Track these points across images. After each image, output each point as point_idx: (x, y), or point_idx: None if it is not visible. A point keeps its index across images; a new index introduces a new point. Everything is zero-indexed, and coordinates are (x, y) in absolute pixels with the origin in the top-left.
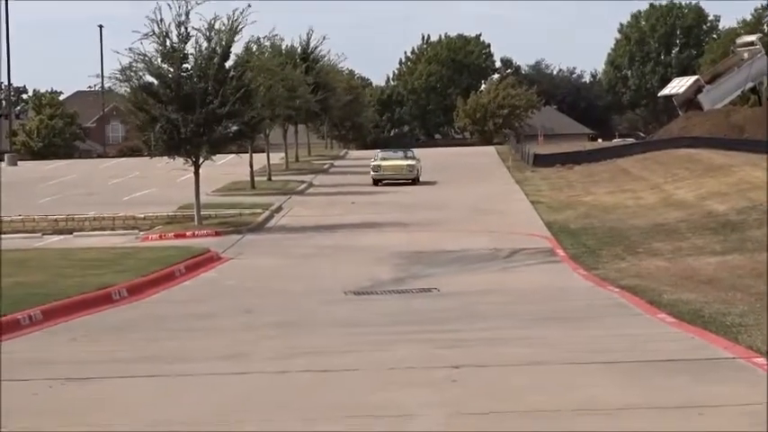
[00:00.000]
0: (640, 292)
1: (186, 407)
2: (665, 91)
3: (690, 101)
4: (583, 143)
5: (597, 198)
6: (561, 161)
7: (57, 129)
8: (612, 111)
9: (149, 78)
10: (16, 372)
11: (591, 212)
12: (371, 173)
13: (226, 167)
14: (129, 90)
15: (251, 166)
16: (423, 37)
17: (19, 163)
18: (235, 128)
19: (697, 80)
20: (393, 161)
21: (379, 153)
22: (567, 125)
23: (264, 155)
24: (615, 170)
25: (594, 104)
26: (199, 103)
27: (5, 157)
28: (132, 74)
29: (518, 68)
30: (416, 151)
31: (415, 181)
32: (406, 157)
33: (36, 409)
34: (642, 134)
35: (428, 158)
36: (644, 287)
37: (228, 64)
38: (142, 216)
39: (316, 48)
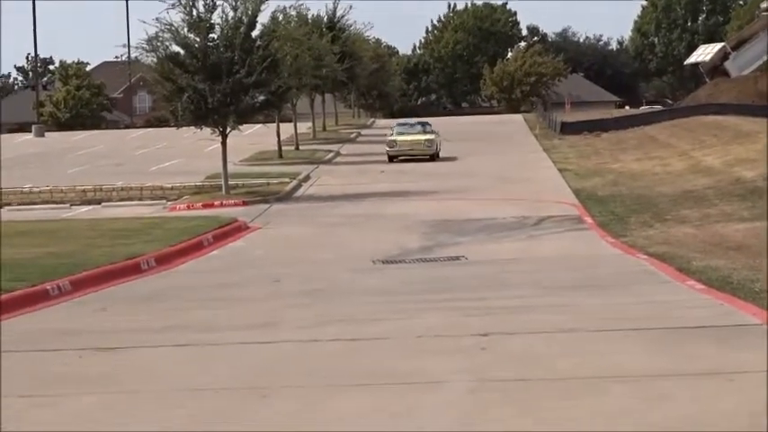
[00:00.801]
0: (669, 259)
1: (215, 375)
2: (692, 59)
3: (716, 68)
4: (610, 111)
5: (625, 165)
6: (588, 129)
7: (84, 100)
8: (639, 78)
9: (176, 48)
10: (46, 342)
11: (619, 180)
12: (386, 148)
13: (253, 137)
14: (155, 60)
15: (278, 136)
16: (449, 5)
17: (46, 134)
18: (262, 97)
19: (723, 47)
20: (410, 136)
21: (394, 126)
22: (594, 93)
23: (291, 124)
24: (643, 137)
25: (621, 72)
26: (225, 72)
27: (33, 128)
28: (159, 44)
29: (544, 36)
30: (442, 120)
31: (433, 157)
32: (425, 131)
33: (66, 379)
34: (669, 101)
35: (455, 127)
36: (672, 254)
37: (255, 33)
38: (170, 186)
39: (342, 17)
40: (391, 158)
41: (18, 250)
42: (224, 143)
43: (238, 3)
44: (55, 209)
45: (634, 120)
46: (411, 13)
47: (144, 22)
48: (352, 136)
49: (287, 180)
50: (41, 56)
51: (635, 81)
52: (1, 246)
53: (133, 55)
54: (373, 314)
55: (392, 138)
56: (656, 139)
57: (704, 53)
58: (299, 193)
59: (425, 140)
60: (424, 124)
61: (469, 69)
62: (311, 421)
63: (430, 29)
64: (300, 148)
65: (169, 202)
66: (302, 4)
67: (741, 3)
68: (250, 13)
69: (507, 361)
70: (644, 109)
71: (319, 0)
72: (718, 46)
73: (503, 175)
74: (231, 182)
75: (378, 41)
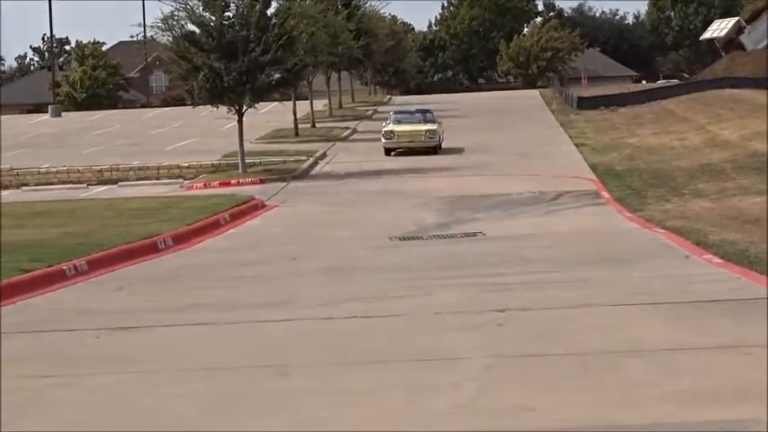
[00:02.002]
0: (686, 233)
1: (233, 354)
2: (707, 34)
3: (731, 41)
4: (626, 85)
5: (642, 140)
6: (605, 103)
7: (100, 79)
8: (656, 52)
9: (191, 27)
10: (64, 322)
11: (635, 154)
12: (382, 140)
13: (269, 115)
14: (171, 39)
15: (294, 114)
16: None
17: (63, 114)
18: (277, 75)
19: (738, 21)
20: (409, 125)
21: (392, 114)
22: (611, 67)
23: (307, 102)
24: (659, 112)
25: (637, 46)
26: (241, 50)
27: (49, 108)
28: (174, 23)
29: (560, 11)
30: (458, 97)
31: (436, 149)
32: (425, 121)
33: (84, 359)
34: (686, 75)
35: (471, 103)
36: (689, 228)
37: (270, 11)
38: (186, 165)
39: None
40: (388, 151)
41: (35, 230)
42: (240, 121)
43: None
44: (72, 189)
45: (651, 94)
46: None
47: (159, 1)
48: (369, 113)
49: (303, 158)
50: (57, 36)
51: (651, 55)
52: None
53: (149, 34)
54: (390, 291)
55: (389, 128)
56: (672, 113)
57: (719, 28)
58: (316, 170)
59: (426, 131)
60: (424, 112)
61: (486, 45)
62: (329, 398)
63: (446, 5)
64: (317, 125)
65: (186, 181)
66: None
67: None
68: None
69: (524, 337)
70: (660, 83)
71: None
72: (733, 20)
73: (519, 150)
74: (248, 160)
75: (393, 18)
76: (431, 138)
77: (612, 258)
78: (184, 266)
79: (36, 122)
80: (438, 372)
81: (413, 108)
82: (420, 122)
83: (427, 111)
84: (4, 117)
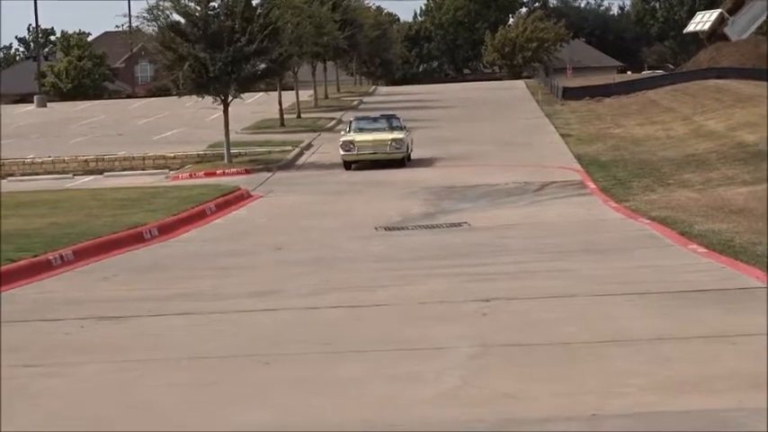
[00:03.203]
0: (671, 224)
1: (218, 343)
2: (690, 27)
3: (715, 33)
4: (611, 76)
5: (627, 130)
6: (590, 94)
7: (85, 70)
8: (641, 43)
9: (177, 17)
10: (49, 311)
11: (621, 145)
12: (340, 152)
13: (255, 106)
14: (156, 29)
15: (280, 104)
16: None
17: (48, 104)
18: (263, 66)
19: (721, 13)
20: (372, 134)
21: (352, 122)
22: (596, 58)
23: (293, 93)
24: (645, 102)
25: (623, 37)
26: (226, 41)
27: (35, 98)
28: (159, 12)
29: (546, 2)
30: (444, 87)
31: (404, 161)
32: (391, 128)
33: (68, 348)
34: (671, 66)
35: (457, 93)
36: (675, 218)
37: (255, 1)
38: (172, 155)
39: None
40: (348, 165)
41: (21, 221)
42: (226, 112)
43: None
44: (57, 179)
45: (636, 85)
46: None
47: None
48: (355, 103)
49: (289, 148)
50: (42, 26)
51: (636, 46)
52: (1, 217)
53: (134, 24)
54: (375, 281)
55: (348, 137)
56: (658, 103)
57: (702, 20)
58: (302, 160)
59: (392, 140)
60: (390, 118)
61: (471, 36)
62: (313, 387)
63: None
64: (302, 116)
65: (171, 172)
66: None
67: None
68: None
69: (509, 326)
70: (646, 74)
71: None
72: (716, 12)
73: (505, 140)
74: (233, 150)
75: (379, 9)
76: (397, 148)
77: (598, 248)
78: (170, 256)
79: (21, 113)
80: (422, 361)
81: (376, 114)
82: (385, 130)
83: (393, 116)
84: None
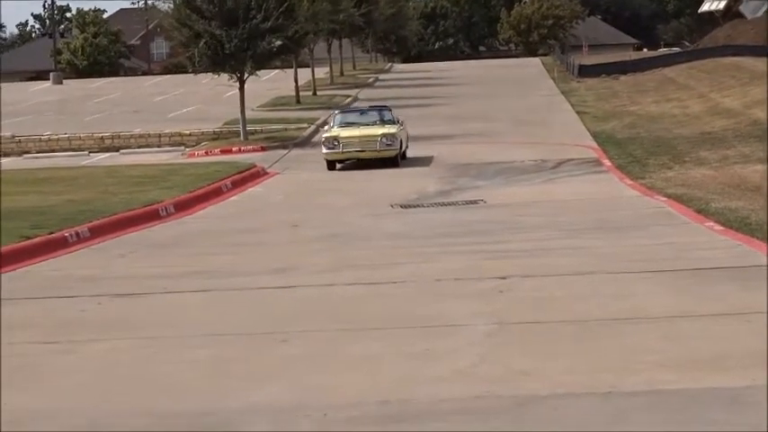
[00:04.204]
0: (687, 201)
1: (233, 320)
2: (705, 6)
3: (730, 11)
4: (628, 53)
5: (643, 108)
6: (606, 71)
7: (101, 47)
8: (657, 20)
9: None
10: (65, 288)
11: (637, 122)
12: (323, 150)
13: (270, 83)
14: (172, 6)
15: (296, 81)
16: None
17: (64, 81)
18: (278, 43)
19: None
20: (360, 128)
21: (336, 115)
22: (612, 35)
23: (309, 70)
24: (661, 80)
25: (639, 14)
26: (242, 18)
27: (51, 75)
28: None
29: None
30: (460, 64)
31: (397, 160)
32: (383, 122)
33: (84, 325)
34: (687, 43)
35: (472, 71)
36: (691, 196)
37: None
38: (188, 132)
39: None
40: (331, 165)
41: (37, 197)
42: (242, 89)
43: None
44: (73, 156)
45: (652, 62)
46: None
47: None
48: (370, 81)
49: (305, 125)
50: (58, 3)
51: (653, 23)
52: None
53: (150, 1)
54: (391, 258)
55: (332, 132)
56: (674, 81)
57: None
58: (318, 138)
59: (383, 135)
60: (381, 110)
61: (487, 13)
62: (329, 364)
63: None
64: (318, 93)
65: (187, 149)
66: None
67: None
68: None
69: (525, 304)
70: (662, 51)
71: None
72: None
73: (521, 118)
74: (249, 127)
75: None
76: (389, 144)
77: (614, 226)
78: (186, 233)
79: (37, 90)
80: (439, 338)
81: (364, 106)
82: (374, 124)
83: (385, 108)
84: (4, 84)
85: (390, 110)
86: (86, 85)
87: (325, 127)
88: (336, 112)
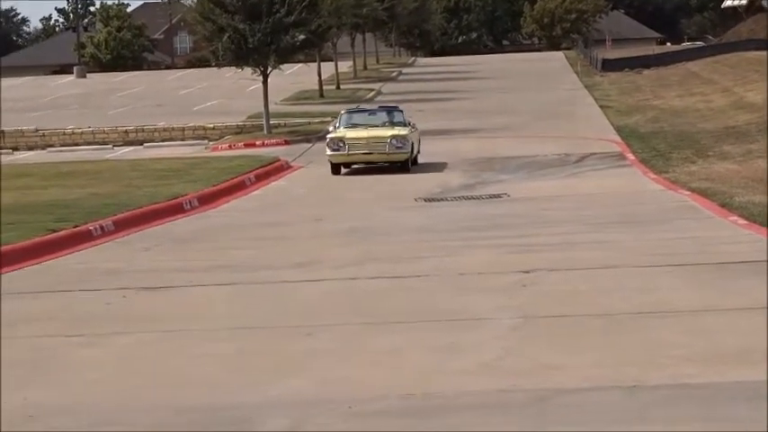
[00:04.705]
0: (711, 195)
1: (257, 313)
2: (728, 2)
3: (753, 4)
4: (651, 47)
5: (666, 102)
6: (630, 65)
7: (125, 41)
8: (680, 14)
9: None
10: (90, 282)
11: (660, 116)
12: (327, 152)
13: (294, 77)
14: (195, 0)
15: (319, 75)
16: None
17: (88, 75)
18: (302, 37)
19: None
20: (367, 130)
21: (342, 114)
22: (635, 29)
23: (332, 64)
24: (684, 74)
25: (662, 8)
26: (265, 12)
27: (74, 69)
28: None
29: None
30: (483, 58)
31: (407, 165)
32: (392, 123)
33: (109, 318)
34: (711, 37)
35: (496, 65)
36: (715, 190)
37: None
38: (211, 126)
39: None
40: (336, 168)
41: (61, 191)
42: (265, 83)
43: None
44: (97, 150)
45: (675, 56)
46: None
47: None
48: (394, 75)
49: (328, 119)
50: None
51: (676, 17)
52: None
53: None
54: (415, 252)
55: (337, 133)
56: (697, 75)
57: None
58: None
59: (393, 137)
60: (391, 111)
61: (510, 7)
62: (354, 358)
63: None
64: (341, 87)
65: (211, 142)
66: None
67: None
68: None
69: (550, 297)
70: (685, 45)
71: None
72: None
73: (545, 112)
74: (273, 121)
75: None
76: (399, 147)
77: (638, 220)
78: (210, 227)
79: (61, 84)
80: (464, 332)
81: (373, 106)
82: (384, 126)
83: (395, 109)
84: (29, 78)
85: (402, 111)
86: (110, 78)
87: (330, 127)
88: (343, 111)
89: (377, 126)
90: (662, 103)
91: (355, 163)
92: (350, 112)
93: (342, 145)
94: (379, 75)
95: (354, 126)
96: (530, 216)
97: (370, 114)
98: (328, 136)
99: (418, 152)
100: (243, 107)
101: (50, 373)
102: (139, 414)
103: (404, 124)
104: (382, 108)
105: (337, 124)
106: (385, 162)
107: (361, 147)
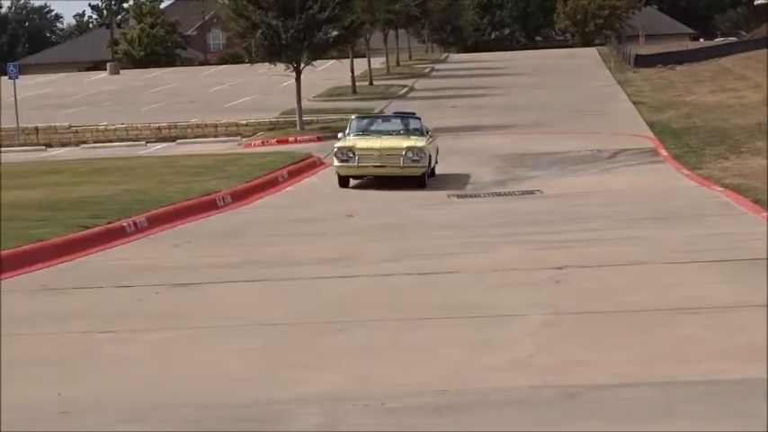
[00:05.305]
0: (744, 191)
1: (290, 309)
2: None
3: None
4: (684, 43)
5: (699, 98)
6: (663, 61)
7: (158, 37)
8: (713, 10)
9: None
10: (123, 278)
11: (693, 112)
12: (334, 162)
13: (327, 73)
14: None
15: (352, 71)
16: None
17: (121, 72)
18: (335, 33)
19: None
20: (380, 139)
21: (353, 120)
22: (668, 25)
23: (365, 60)
24: (717, 70)
25: (695, 4)
26: (298, 8)
27: (107, 66)
28: None
29: None
30: (516, 54)
31: (424, 179)
32: (408, 132)
33: (141, 314)
34: (744, 33)
35: (529, 61)
36: (748, 186)
37: None
38: (244, 122)
39: None
40: (344, 181)
41: (94, 187)
42: (298, 79)
43: None
44: (130, 146)
45: (708, 52)
46: None
47: None
48: (426, 71)
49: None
50: None
51: (709, 13)
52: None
53: None
54: (448, 248)
55: (347, 142)
56: (730, 71)
57: None
58: None
59: (409, 149)
60: (407, 118)
61: (543, 3)
62: (387, 354)
63: None
64: (374, 83)
65: (244, 139)
66: None
67: None
68: None
69: (582, 294)
70: (718, 41)
71: None
72: None
73: (578, 108)
74: (305, 118)
75: None
76: (415, 160)
77: (670, 216)
78: (243, 223)
79: (94, 80)
80: (496, 328)
81: (387, 113)
82: (398, 135)
83: (412, 116)
84: (61, 75)
85: (419, 118)
86: (143, 75)
87: (339, 135)
88: (353, 116)
89: (391, 135)
90: (695, 99)
91: (365, 176)
92: (361, 117)
93: (351, 155)
94: (412, 71)
95: (365, 134)
96: (562, 212)
97: (384, 121)
98: (336, 144)
99: (436, 162)
100: (276, 103)
101: (83, 369)
102: (171, 410)
103: (421, 133)
104: (398, 114)
105: (347, 131)
106: (399, 175)
107: (373, 159)
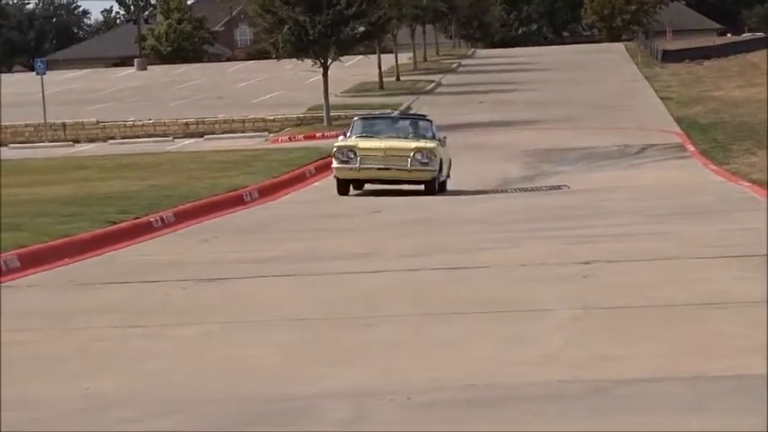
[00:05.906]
0: None
1: (317, 304)
2: None
3: None
4: (711, 38)
5: (727, 93)
6: (690, 56)
7: (185, 33)
8: (741, 5)
9: None
10: (150, 273)
11: (721, 107)
12: (334, 164)
13: (354, 69)
14: None
15: (379, 67)
16: None
17: (148, 67)
18: (362, 29)
19: None
20: (385, 140)
21: (356, 121)
22: (696, 20)
23: (392, 55)
24: (745, 65)
25: None
26: (326, 4)
27: (135, 61)
28: None
29: None
30: (543, 50)
31: (433, 186)
32: (416, 134)
33: (169, 309)
34: None
35: (556, 56)
36: None
37: None
38: (272, 118)
39: None
40: (343, 186)
41: (122, 183)
42: (325, 75)
43: None
44: (158, 142)
45: (736, 47)
46: None
47: None
48: (453, 66)
49: (388, 111)
50: None
51: (737, 8)
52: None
53: None
54: (476, 243)
55: (348, 142)
56: (758, 66)
57: None
58: None
59: (417, 150)
60: (415, 120)
61: None
62: (414, 349)
63: None
64: (401, 78)
65: (271, 134)
66: None
67: None
68: None
69: (610, 289)
70: (746, 36)
71: None
72: None
73: (604, 103)
74: (333, 113)
75: None
76: (424, 164)
77: (698, 211)
78: (270, 218)
79: (122, 76)
80: (524, 322)
81: (394, 112)
82: (405, 137)
83: (423, 118)
84: (89, 71)
85: (431, 121)
86: (170, 71)
87: (341, 136)
88: (356, 118)
89: (397, 136)
90: (722, 95)
91: (368, 180)
92: (365, 118)
93: (352, 156)
94: (439, 66)
95: (369, 135)
96: (590, 207)
97: (390, 123)
98: (335, 144)
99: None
100: (303, 99)
101: (112, 364)
102: (198, 405)
103: (431, 136)
104: (406, 116)
105: (349, 132)
106: (405, 180)
107: (377, 160)
